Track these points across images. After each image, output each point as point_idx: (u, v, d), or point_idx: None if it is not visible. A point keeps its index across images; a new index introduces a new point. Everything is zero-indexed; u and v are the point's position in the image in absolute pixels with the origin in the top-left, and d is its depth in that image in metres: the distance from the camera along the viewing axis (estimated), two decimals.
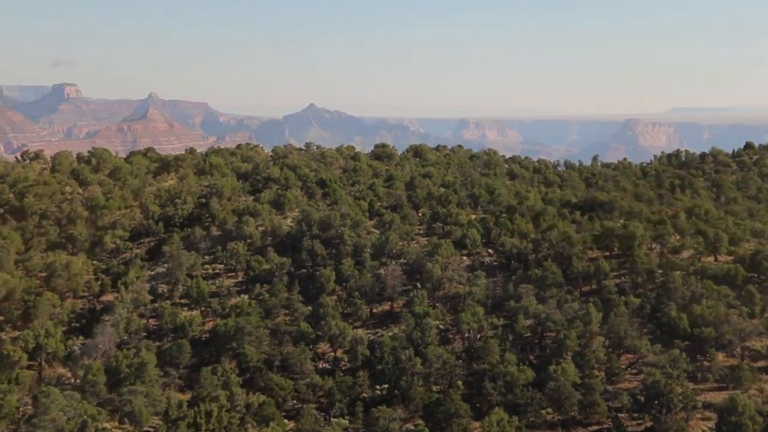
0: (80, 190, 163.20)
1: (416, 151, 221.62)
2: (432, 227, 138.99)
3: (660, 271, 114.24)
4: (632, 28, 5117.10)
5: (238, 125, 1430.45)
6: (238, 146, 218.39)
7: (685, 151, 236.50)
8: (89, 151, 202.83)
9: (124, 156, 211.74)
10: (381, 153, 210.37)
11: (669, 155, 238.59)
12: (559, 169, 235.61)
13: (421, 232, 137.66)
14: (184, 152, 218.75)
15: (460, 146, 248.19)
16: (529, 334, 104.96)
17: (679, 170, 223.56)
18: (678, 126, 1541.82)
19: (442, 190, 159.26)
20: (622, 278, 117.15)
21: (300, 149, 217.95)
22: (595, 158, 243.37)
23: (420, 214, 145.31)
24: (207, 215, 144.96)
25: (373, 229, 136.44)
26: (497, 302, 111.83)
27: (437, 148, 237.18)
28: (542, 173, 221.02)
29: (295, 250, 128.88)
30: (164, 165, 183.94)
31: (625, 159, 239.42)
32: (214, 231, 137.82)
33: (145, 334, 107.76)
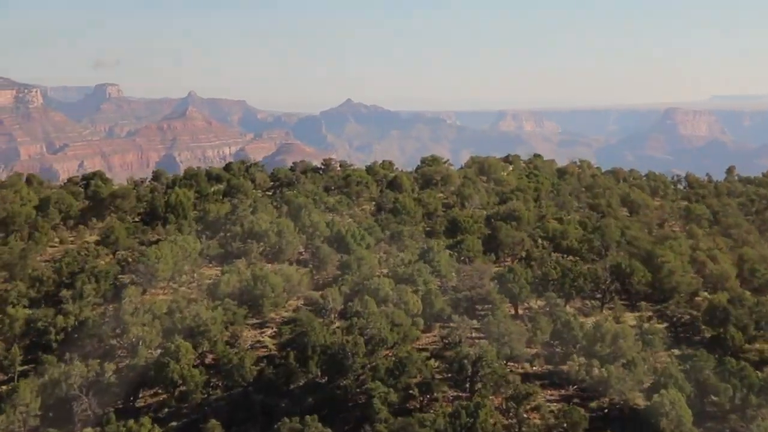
0: None
1: (482, 168, 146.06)
2: (556, 357, 63.59)
3: None
4: (671, 15, 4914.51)
5: (275, 122, 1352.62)
6: (228, 166, 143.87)
7: None
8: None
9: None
10: (431, 173, 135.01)
11: None
12: (681, 186, 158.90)
13: (536, 367, 62.38)
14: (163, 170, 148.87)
15: (538, 156, 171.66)
16: None
17: None
18: (719, 114, 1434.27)
19: (557, 259, 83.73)
20: None
21: (317, 170, 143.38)
22: (730, 170, 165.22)
23: (523, 315, 70.40)
24: (116, 326, 71.01)
25: (431, 364, 61.55)
26: None
27: (509, 160, 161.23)
28: (663, 194, 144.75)
29: (270, 425, 55.46)
30: (98, 203, 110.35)
31: None
32: (120, 366, 64.20)
33: None
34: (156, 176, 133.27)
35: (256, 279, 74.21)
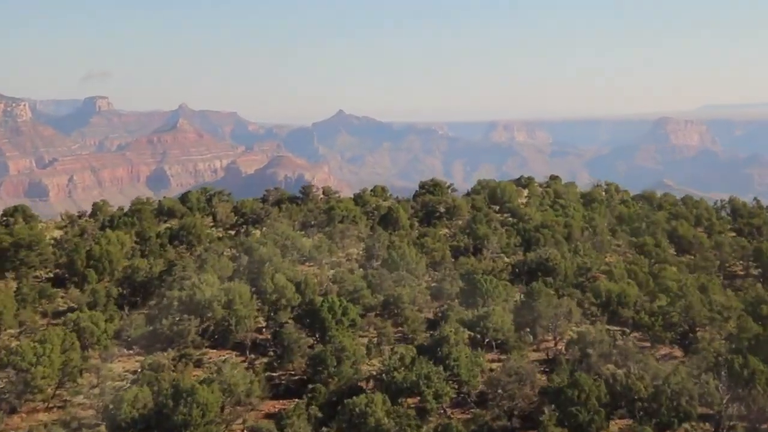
0: None
1: (493, 194, 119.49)
2: None
3: None
4: (661, 25, 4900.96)
5: (267, 134, 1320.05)
6: (185, 197, 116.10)
7: None
8: None
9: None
10: (435, 203, 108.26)
11: None
12: (725, 213, 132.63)
13: None
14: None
15: (555, 178, 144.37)
16: None
17: None
18: (710, 123, 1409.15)
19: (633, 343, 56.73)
20: None
21: (294, 199, 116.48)
22: None
23: None
24: None
25: None
26: None
27: (522, 183, 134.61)
28: (707, 223, 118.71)
29: None
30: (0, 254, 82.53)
31: None
32: None
33: None
34: (94, 211, 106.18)
35: (179, 397, 47.13)
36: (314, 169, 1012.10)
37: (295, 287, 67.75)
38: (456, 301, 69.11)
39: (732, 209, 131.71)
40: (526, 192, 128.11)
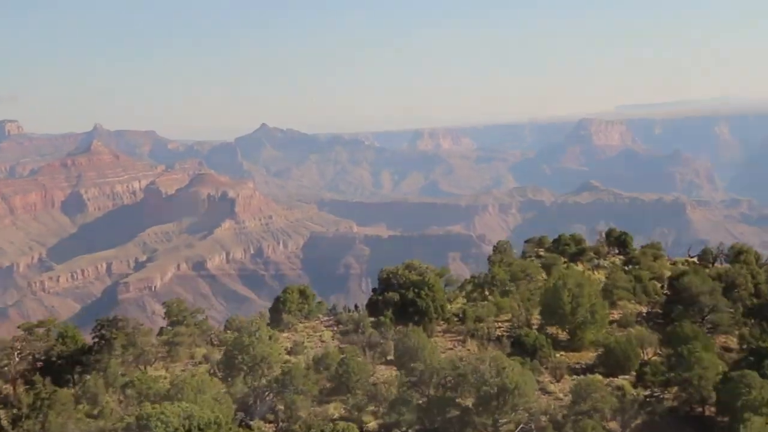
0: None
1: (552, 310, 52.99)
2: None
3: None
4: (573, 28, 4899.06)
5: (188, 151, 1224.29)
6: None
7: None
8: None
9: None
10: (410, 352, 41.01)
11: None
12: None
13: None
14: None
15: (622, 234, 78.31)
16: None
17: None
18: (630, 123, 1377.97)
19: None
20: None
21: (134, 341, 47.62)
22: None
23: None
24: None
25: None
26: None
27: (564, 248, 68.29)
28: None
29: None
30: None
31: None
32: None
33: None
34: None
35: None
36: (238, 186, 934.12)
37: None
38: None
39: None
40: (581, 269, 62.18)
